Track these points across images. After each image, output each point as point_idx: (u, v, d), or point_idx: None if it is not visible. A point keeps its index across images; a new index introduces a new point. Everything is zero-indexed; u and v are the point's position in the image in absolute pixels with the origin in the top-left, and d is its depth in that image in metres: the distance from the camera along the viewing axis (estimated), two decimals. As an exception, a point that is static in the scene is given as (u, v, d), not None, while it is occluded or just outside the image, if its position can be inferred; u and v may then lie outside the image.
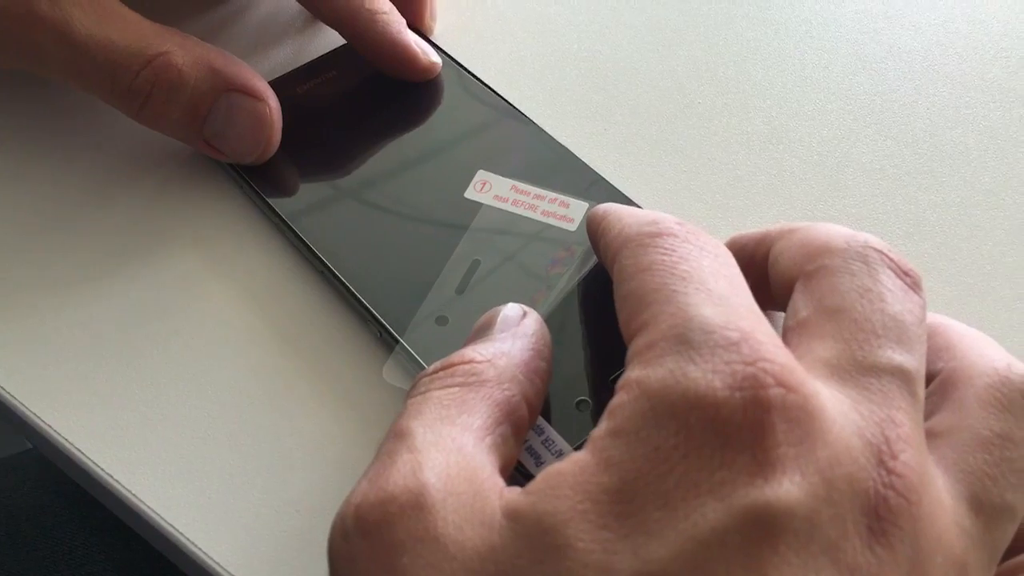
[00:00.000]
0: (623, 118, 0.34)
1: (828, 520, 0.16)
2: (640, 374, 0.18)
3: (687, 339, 0.18)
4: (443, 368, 0.21)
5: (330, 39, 0.36)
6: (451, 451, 0.18)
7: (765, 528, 0.15)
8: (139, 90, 0.29)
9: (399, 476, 0.18)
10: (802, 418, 0.17)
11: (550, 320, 0.24)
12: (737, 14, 0.38)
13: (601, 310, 0.26)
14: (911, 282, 0.20)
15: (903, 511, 0.16)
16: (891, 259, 0.20)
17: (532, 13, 0.38)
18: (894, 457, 0.17)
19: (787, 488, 0.16)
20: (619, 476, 0.17)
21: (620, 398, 0.18)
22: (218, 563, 0.24)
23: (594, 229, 0.25)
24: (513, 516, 0.17)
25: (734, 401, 0.16)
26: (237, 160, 0.31)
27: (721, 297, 0.19)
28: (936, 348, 0.21)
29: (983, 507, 0.18)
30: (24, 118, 0.34)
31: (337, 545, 0.18)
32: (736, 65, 0.36)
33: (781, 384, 0.17)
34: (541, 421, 0.24)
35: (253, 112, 0.30)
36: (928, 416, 0.20)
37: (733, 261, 0.21)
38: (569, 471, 0.17)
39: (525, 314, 0.23)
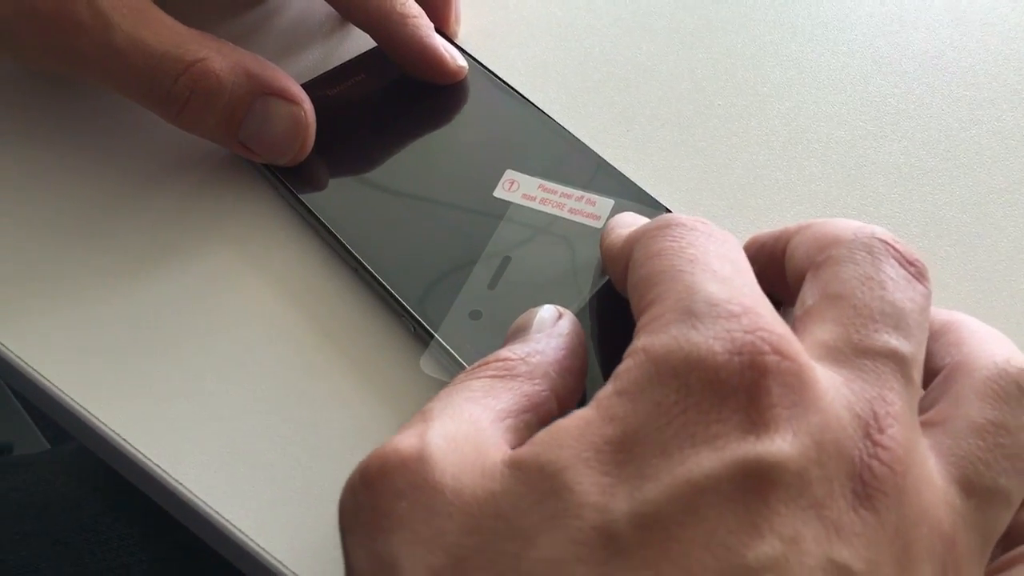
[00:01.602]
0: (645, 119, 0.35)
1: (816, 480, 0.17)
2: (646, 341, 0.19)
3: (691, 310, 0.19)
4: (480, 365, 0.22)
5: (357, 42, 0.37)
6: (464, 421, 0.19)
7: (756, 479, 0.16)
8: (178, 95, 0.30)
9: (405, 437, 0.19)
10: (796, 385, 0.17)
11: (578, 314, 0.25)
12: (755, 17, 0.38)
13: (627, 305, 0.27)
14: (915, 271, 0.21)
15: (887, 479, 0.17)
16: (896, 249, 0.21)
17: (554, 17, 0.39)
18: (881, 431, 0.18)
19: (779, 445, 0.17)
20: (621, 428, 0.17)
21: (626, 363, 0.19)
22: (264, 548, 0.25)
23: (607, 253, 0.26)
24: (515, 464, 0.18)
25: (732, 364, 0.17)
26: (272, 161, 0.31)
27: (725, 278, 0.20)
28: (946, 343, 0.22)
29: (975, 489, 0.18)
30: (62, 119, 0.35)
31: (344, 500, 0.19)
32: (755, 67, 0.37)
33: (777, 352, 0.18)
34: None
35: (289, 116, 0.31)
36: (930, 406, 0.20)
37: (739, 247, 0.22)
38: (573, 425, 0.18)
39: (560, 315, 0.24)
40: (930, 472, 0.18)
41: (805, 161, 0.33)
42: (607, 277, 0.28)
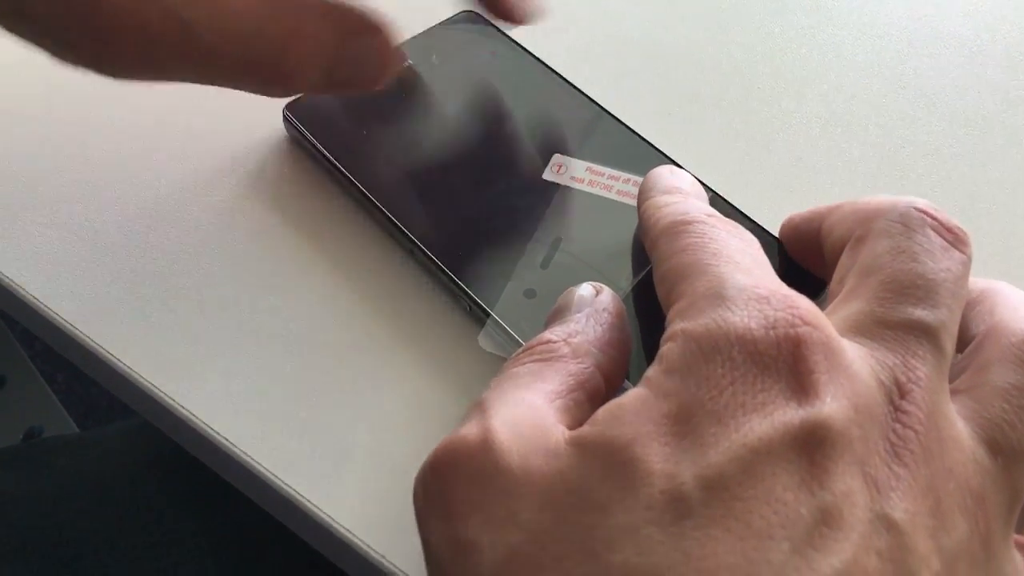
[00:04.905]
0: (686, 102, 0.36)
1: (857, 439, 0.18)
2: (685, 325, 0.20)
3: (724, 295, 0.20)
4: (524, 351, 0.23)
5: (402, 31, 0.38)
6: (519, 405, 0.20)
7: (805, 439, 0.18)
8: None
9: (467, 428, 0.20)
10: (827, 352, 0.19)
11: (629, 292, 0.26)
12: (790, 2, 0.39)
13: None
14: (952, 238, 0.21)
15: (912, 439, 0.18)
16: (935, 217, 0.22)
17: (596, 3, 0.39)
18: (902, 397, 0.19)
19: (821, 408, 0.18)
20: (676, 403, 0.19)
21: (669, 346, 0.20)
22: (330, 516, 0.26)
23: (639, 203, 0.27)
24: (579, 443, 0.19)
25: (769, 338, 0.19)
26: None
27: (747, 269, 0.21)
28: (980, 311, 0.23)
29: (1001, 449, 0.19)
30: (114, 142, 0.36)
31: (417, 490, 0.20)
32: (792, 51, 0.37)
33: (808, 323, 0.19)
34: (626, 383, 0.26)
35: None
36: (959, 374, 0.21)
37: (757, 243, 0.23)
38: (629, 403, 0.19)
39: (599, 292, 0.24)
40: (958, 433, 0.19)
41: (844, 143, 0.34)
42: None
